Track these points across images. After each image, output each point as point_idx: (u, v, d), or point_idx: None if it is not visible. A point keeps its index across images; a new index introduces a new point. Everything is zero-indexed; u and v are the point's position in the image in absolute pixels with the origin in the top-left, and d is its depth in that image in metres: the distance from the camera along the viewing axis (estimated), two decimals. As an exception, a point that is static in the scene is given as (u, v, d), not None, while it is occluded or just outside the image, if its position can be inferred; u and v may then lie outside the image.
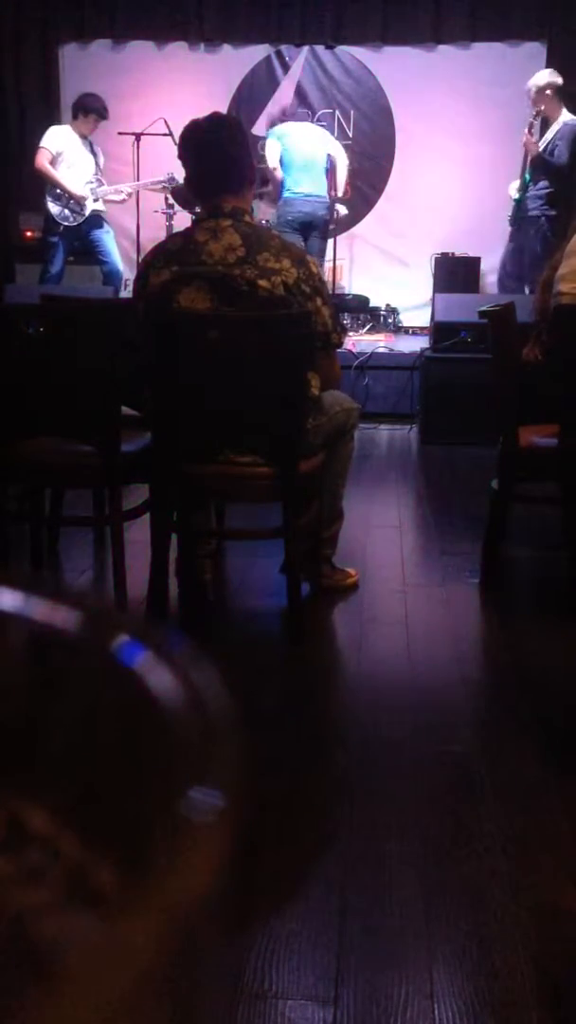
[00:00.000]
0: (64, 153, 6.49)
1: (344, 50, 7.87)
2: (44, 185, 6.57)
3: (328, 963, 1.45)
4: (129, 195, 6.78)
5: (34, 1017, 0.20)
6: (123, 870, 0.24)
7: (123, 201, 6.78)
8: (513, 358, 3.11)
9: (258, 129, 7.55)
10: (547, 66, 7.62)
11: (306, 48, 7.89)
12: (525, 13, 7.56)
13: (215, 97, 7.70)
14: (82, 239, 6.68)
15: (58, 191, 6.50)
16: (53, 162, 6.47)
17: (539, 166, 6.14)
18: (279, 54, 7.96)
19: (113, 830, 0.26)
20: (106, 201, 6.70)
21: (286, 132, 6.62)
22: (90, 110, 6.49)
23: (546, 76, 6.20)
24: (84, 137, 6.57)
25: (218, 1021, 1.33)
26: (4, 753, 0.29)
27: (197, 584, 2.99)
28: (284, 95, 7.87)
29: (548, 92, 6.12)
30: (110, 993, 0.19)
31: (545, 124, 6.25)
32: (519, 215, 6.36)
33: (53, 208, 6.54)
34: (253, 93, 8.00)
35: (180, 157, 2.70)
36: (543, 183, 6.19)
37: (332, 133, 7.35)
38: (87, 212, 6.55)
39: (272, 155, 6.62)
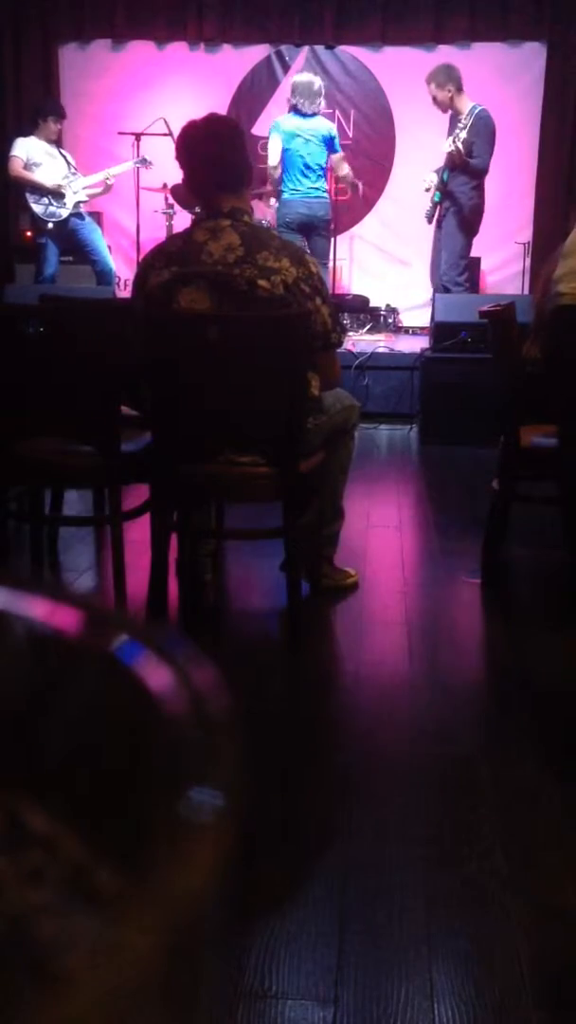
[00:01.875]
0: (34, 157, 6.58)
1: (344, 50, 7.87)
2: (25, 192, 6.62)
3: (328, 963, 1.45)
4: (109, 180, 6.75)
5: (34, 1017, 0.20)
6: (123, 870, 0.24)
7: (106, 190, 6.78)
8: (513, 358, 3.11)
9: (258, 129, 7.55)
10: (547, 66, 7.64)
11: (306, 48, 7.89)
12: (525, 13, 7.56)
13: (215, 97, 7.70)
14: (69, 238, 6.70)
15: (38, 191, 6.55)
16: (26, 168, 6.55)
17: (463, 170, 6.05)
18: (279, 54, 7.96)
19: (113, 830, 0.26)
20: (90, 196, 6.71)
21: (290, 128, 6.59)
22: (47, 113, 6.62)
23: (444, 74, 6.01)
24: (52, 142, 6.65)
25: (218, 1021, 1.32)
26: (3, 753, 0.29)
27: (197, 584, 3.00)
28: (284, 95, 7.87)
29: (451, 88, 6.00)
30: (110, 993, 0.19)
31: (454, 119, 6.16)
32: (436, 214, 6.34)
33: (37, 208, 6.59)
34: (253, 93, 8.00)
35: (177, 158, 2.71)
36: (461, 180, 6.10)
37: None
38: (70, 203, 6.59)
39: (273, 152, 6.61)
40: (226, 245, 2.56)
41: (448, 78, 6.01)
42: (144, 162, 6.88)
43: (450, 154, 6.02)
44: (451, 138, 6.02)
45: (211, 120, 2.70)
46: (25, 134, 6.69)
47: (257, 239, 2.58)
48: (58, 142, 6.72)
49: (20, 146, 6.59)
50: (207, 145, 2.64)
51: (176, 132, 7.17)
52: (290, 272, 2.56)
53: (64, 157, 6.67)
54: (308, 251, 6.18)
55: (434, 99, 6.10)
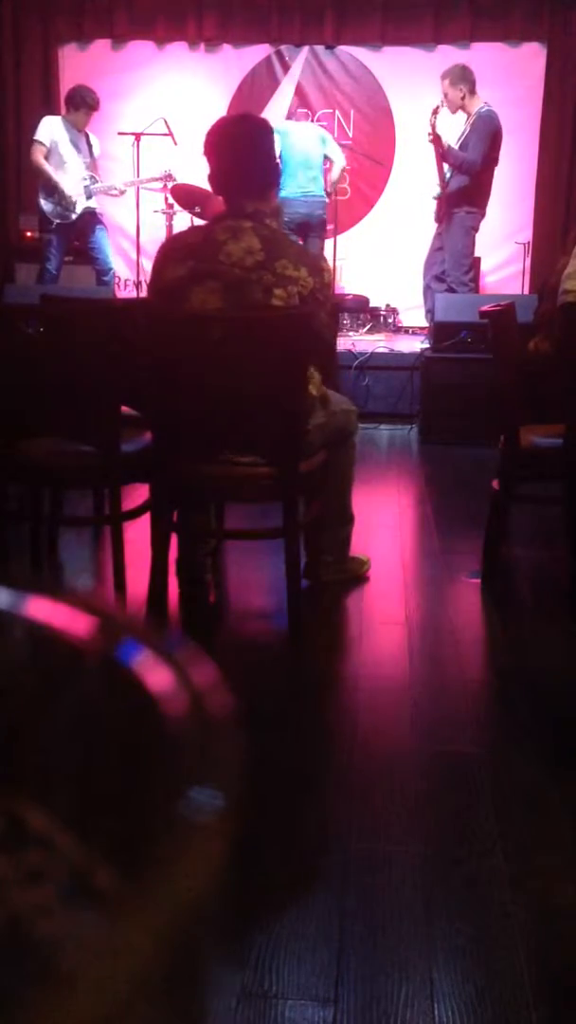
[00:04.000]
0: (59, 145, 6.48)
1: (344, 50, 7.87)
2: (39, 184, 6.57)
3: (328, 963, 1.45)
4: (124, 189, 6.74)
5: (34, 1017, 0.20)
6: (123, 870, 0.24)
7: (120, 194, 6.75)
8: (513, 358, 3.11)
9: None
10: (547, 66, 7.64)
11: (306, 48, 7.88)
12: (525, 13, 7.56)
13: (215, 97, 7.71)
14: (77, 237, 6.68)
15: (50, 188, 6.50)
16: (48, 156, 6.46)
17: (450, 163, 6.08)
18: (279, 54, 7.95)
19: (113, 830, 0.26)
20: (103, 193, 6.69)
21: (285, 130, 6.63)
22: (80, 104, 6.51)
23: (459, 74, 6.05)
24: (79, 130, 6.56)
25: (218, 1021, 1.32)
26: (5, 753, 0.29)
27: (197, 584, 3.00)
28: (284, 95, 7.87)
29: (463, 88, 6.03)
30: (110, 993, 0.19)
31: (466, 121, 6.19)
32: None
33: (45, 206, 6.54)
34: (253, 93, 7.99)
35: (205, 154, 2.68)
36: (461, 179, 6.10)
37: (332, 133, 7.37)
38: (79, 209, 6.54)
39: None
40: (246, 248, 2.54)
41: (462, 79, 6.05)
42: (169, 177, 6.78)
43: (433, 144, 6.05)
44: (430, 123, 6.05)
45: (240, 119, 2.69)
46: (54, 113, 6.60)
47: (277, 245, 2.57)
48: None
49: (44, 130, 6.48)
50: (233, 144, 2.62)
51: (176, 132, 7.16)
52: (308, 283, 2.55)
53: (90, 148, 6.59)
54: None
55: (445, 95, 6.13)
